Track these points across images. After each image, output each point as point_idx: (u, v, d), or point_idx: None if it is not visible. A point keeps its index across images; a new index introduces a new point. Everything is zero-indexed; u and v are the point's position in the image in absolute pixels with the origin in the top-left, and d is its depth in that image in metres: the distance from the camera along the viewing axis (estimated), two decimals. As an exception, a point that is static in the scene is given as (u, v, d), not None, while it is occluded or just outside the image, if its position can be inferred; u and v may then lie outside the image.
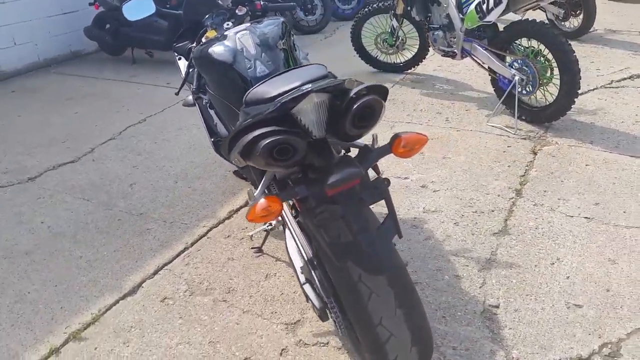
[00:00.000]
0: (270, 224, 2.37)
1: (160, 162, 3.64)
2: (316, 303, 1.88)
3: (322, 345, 2.12)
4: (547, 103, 3.77)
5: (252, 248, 2.68)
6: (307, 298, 1.95)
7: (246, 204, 3.04)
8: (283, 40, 2.25)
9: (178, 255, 2.71)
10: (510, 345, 2.07)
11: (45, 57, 5.90)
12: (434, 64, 5.29)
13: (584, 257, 2.51)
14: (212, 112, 2.63)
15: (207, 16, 2.70)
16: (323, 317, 1.88)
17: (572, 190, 3.04)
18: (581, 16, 5.66)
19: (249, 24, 2.31)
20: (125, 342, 2.20)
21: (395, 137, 1.66)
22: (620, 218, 2.77)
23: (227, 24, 2.63)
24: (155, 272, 2.60)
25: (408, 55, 5.03)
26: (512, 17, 4.12)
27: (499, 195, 3.04)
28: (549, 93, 3.75)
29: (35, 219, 3.06)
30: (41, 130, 4.26)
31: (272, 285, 2.46)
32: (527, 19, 3.76)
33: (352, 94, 1.51)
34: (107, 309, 2.38)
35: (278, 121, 1.52)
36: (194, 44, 2.69)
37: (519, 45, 3.83)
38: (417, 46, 4.88)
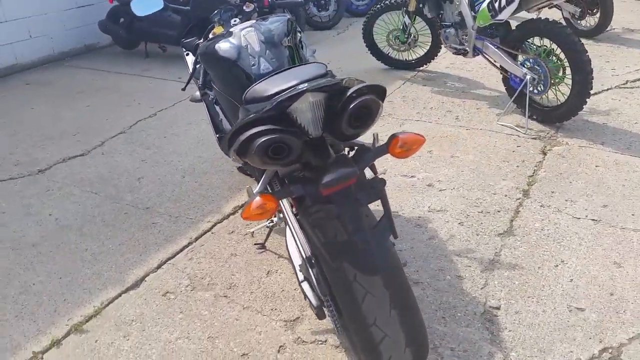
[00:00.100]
0: (272, 221, 2.38)
1: (169, 157, 3.66)
2: (313, 301, 1.88)
3: (320, 343, 2.12)
4: (559, 103, 3.72)
5: (255, 244, 2.69)
6: (305, 296, 1.95)
7: (251, 200, 3.04)
8: (288, 38, 2.24)
9: (182, 249, 2.72)
10: (509, 348, 2.05)
11: (60, 50, 5.96)
12: (446, 61, 5.25)
13: (589, 260, 2.47)
14: (217, 108, 2.64)
15: (215, 12, 2.71)
16: (320, 315, 1.88)
17: (580, 191, 3.00)
18: (598, 15, 5.57)
19: (254, 21, 2.31)
20: (126, 335, 2.22)
21: (393, 137, 1.65)
22: (628, 221, 2.72)
23: (235, 21, 2.64)
24: (159, 266, 2.62)
25: (420, 52, 5.00)
26: (526, 15, 4.07)
27: (505, 196, 3.01)
28: (561, 93, 3.70)
29: (44, 211, 3.10)
30: (53, 123, 4.31)
31: (273, 281, 2.47)
32: (540, 17, 3.71)
33: (348, 93, 1.50)
34: (109, 302, 2.41)
35: (275, 120, 1.52)
36: (202, 40, 2.69)
37: (531, 44, 3.78)
38: (430, 43, 4.85)
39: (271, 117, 1.51)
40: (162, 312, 2.34)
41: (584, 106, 3.58)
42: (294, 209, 2.00)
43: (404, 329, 1.61)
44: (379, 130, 3.81)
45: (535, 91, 3.78)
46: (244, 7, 2.73)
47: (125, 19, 5.76)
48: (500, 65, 3.96)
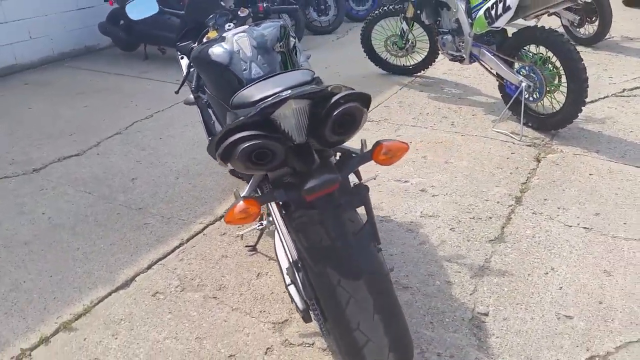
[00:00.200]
0: (262, 224, 2.38)
1: (164, 158, 3.67)
2: (299, 305, 1.89)
3: (307, 345, 2.12)
4: (554, 110, 3.73)
5: (246, 246, 2.69)
6: (292, 299, 1.95)
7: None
8: (281, 43, 2.25)
9: (173, 250, 2.73)
10: (495, 354, 2.05)
11: (59, 51, 5.98)
12: (444, 67, 5.26)
13: (579, 268, 2.48)
14: (210, 111, 2.65)
15: (210, 17, 2.72)
16: (306, 318, 1.89)
17: (573, 199, 3.00)
18: (597, 23, 5.59)
19: (247, 26, 2.32)
20: (114, 334, 2.23)
21: (377, 144, 1.65)
22: (619, 229, 2.73)
23: (229, 25, 2.65)
24: (149, 267, 2.62)
25: (418, 58, 5.01)
26: (524, 22, 4.08)
27: (498, 202, 3.01)
28: (556, 100, 3.71)
29: (37, 209, 3.11)
30: (50, 123, 4.33)
31: (263, 284, 2.47)
32: (536, 25, 3.73)
33: (332, 100, 1.51)
34: (99, 301, 2.41)
35: (260, 125, 1.53)
36: (197, 44, 2.70)
37: (528, 51, 3.79)
38: (427, 49, 4.87)
39: (256, 122, 1.52)
40: (151, 312, 2.34)
41: (579, 114, 3.58)
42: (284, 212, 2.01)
43: (388, 333, 1.61)
44: (375, 136, 3.85)
45: (531, 98, 3.79)
46: (239, 13, 2.74)
47: (125, 21, 5.78)
48: (497, 73, 3.97)
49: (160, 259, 2.67)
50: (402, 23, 4.79)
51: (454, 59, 4.34)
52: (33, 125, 4.29)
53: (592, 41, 5.68)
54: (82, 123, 4.31)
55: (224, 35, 2.30)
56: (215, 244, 2.75)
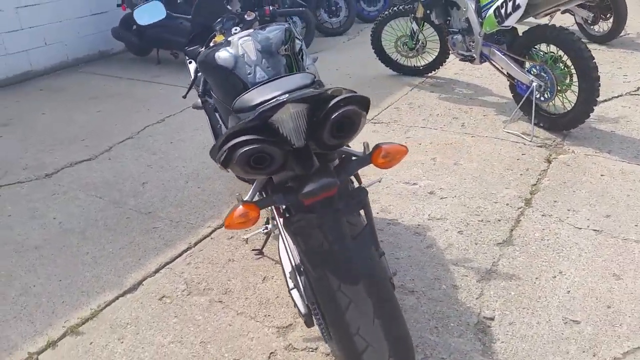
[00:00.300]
0: (266, 227, 2.39)
1: (174, 162, 3.70)
2: (302, 309, 1.89)
3: (310, 350, 2.12)
4: (566, 110, 3.68)
5: (252, 250, 2.70)
6: (295, 303, 1.95)
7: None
8: (285, 46, 2.25)
9: (180, 254, 2.75)
10: None
11: (74, 57, 6.06)
12: (455, 67, 5.23)
13: (587, 271, 2.44)
14: (217, 115, 2.66)
15: (217, 21, 2.73)
16: (309, 323, 1.88)
17: (583, 201, 2.96)
18: (611, 19, 5.50)
19: (252, 30, 2.33)
20: (120, 338, 2.25)
21: (376, 147, 1.65)
22: (630, 232, 2.68)
23: (235, 29, 2.66)
24: (157, 271, 2.64)
25: (429, 58, 4.98)
26: (536, 21, 4.04)
27: (507, 204, 2.98)
28: (568, 100, 3.66)
29: (48, 214, 3.15)
30: (63, 128, 4.39)
31: (268, 288, 2.48)
32: (547, 24, 3.68)
33: (331, 104, 1.51)
34: (106, 305, 2.44)
35: (260, 130, 1.53)
36: (204, 48, 2.72)
37: (538, 50, 3.75)
38: (438, 50, 4.84)
39: (256, 127, 1.52)
40: (157, 316, 2.36)
41: (591, 114, 3.53)
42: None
43: (388, 338, 1.60)
44: (384, 138, 3.84)
45: (542, 98, 3.75)
46: (245, 16, 2.75)
47: (138, 26, 5.83)
48: (507, 72, 3.93)
49: (167, 263, 2.69)
50: (412, 23, 4.77)
51: (464, 58, 4.31)
52: (46, 130, 4.36)
53: (606, 39, 5.59)
54: (95, 128, 4.36)
55: (229, 39, 2.31)
56: (223, 248, 2.77)
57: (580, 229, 2.73)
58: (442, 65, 4.98)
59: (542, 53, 3.72)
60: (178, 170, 3.59)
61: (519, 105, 3.87)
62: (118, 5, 5.84)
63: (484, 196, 3.07)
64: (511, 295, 2.34)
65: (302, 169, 1.57)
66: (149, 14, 2.78)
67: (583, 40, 3.55)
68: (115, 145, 4.01)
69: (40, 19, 5.67)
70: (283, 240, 1.95)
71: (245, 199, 1.84)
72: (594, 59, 3.41)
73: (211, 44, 2.62)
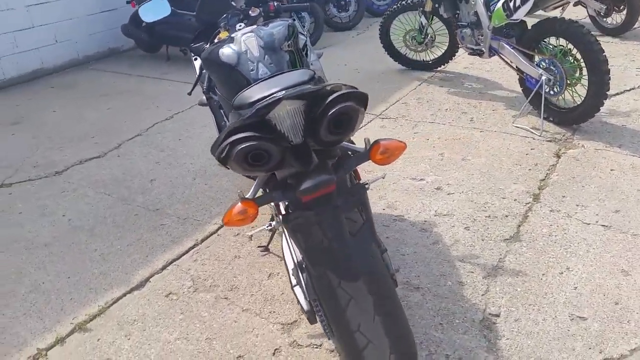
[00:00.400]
0: (270, 224, 2.39)
1: (182, 159, 3.72)
2: (304, 306, 1.89)
3: (315, 347, 2.13)
4: (576, 104, 3.64)
5: (258, 247, 2.71)
6: (297, 300, 1.96)
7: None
8: (289, 42, 2.25)
9: (187, 251, 2.76)
10: (505, 356, 2.02)
11: (84, 54, 6.11)
12: (465, 61, 5.19)
13: (595, 267, 2.41)
14: (222, 112, 2.67)
15: (222, 17, 2.73)
16: (311, 319, 1.89)
17: (592, 196, 2.93)
18: (625, 12, 5.42)
19: (255, 26, 2.32)
20: (127, 334, 2.27)
21: (374, 143, 1.64)
22: (640, 227, 2.65)
23: (240, 25, 2.66)
24: (164, 268, 2.66)
25: (438, 52, 4.95)
26: (548, 14, 3.98)
27: (515, 200, 2.96)
28: (578, 94, 3.62)
29: (58, 212, 3.19)
30: (73, 125, 4.42)
31: (274, 284, 2.48)
32: (557, 17, 3.63)
33: (328, 100, 1.50)
34: (113, 302, 2.46)
35: (258, 126, 1.53)
36: (209, 45, 2.72)
37: (548, 44, 3.70)
38: (447, 44, 4.80)
39: (254, 124, 1.52)
40: (164, 312, 2.38)
41: (601, 107, 3.48)
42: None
43: (389, 335, 1.60)
44: (392, 133, 3.82)
45: (552, 92, 3.71)
46: (250, 12, 2.75)
47: (147, 23, 5.85)
48: (516, 66, 3.90)
49: (174, 260, 2.71)
50: (420, 17, 4.74)
51: (473, 52, 4.28)
52: (57, 128, 4.40)
53: (619, 31, 5.52)
54: (104, 125, 4.39)
55: (232, 35, 2.31)
56: (229, 245, 2.78)
57: (589, 224, 2.70)
58: (451, 60, 4.94)
59: (551, 46, 3.68)
60: (186, 167, 3.61)
61: (528, 100, 3.83)
62: (127, 2, 5.87)
63: (491, 192, 3.05)
64: (517, 292, 2.32)
65: (300, 165, 1.56)
66: (154, 11, 2.80)
67: (596, 32, 3.50)
68: (124, 143, 4.04)
69: (51, 16, 5.72)
70: (286, 237, 1.96)
71: (247, 196, 1.84)
72: (603, 52, 3.37)
73: (215, 41, 2.63)
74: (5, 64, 5.45)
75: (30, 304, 2.48)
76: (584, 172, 3.16)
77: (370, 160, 1.66)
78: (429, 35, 4.81)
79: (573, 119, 3.65)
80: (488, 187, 3.10)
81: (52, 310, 2.44)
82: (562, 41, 3.60)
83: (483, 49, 4.13)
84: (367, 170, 3.27)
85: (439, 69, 5.05)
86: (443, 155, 3.50)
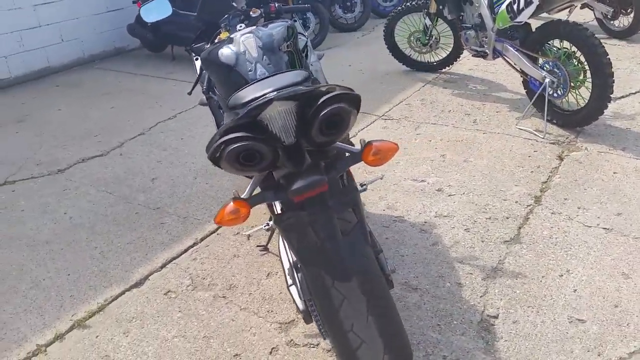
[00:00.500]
0: (268, 224, 2.39)
1: (184, 158, 3.73)
2: (300, 305, 1.89)
3: (311, 346, 2.13)
4: (580, 107, 3.62)
5: (257, 246, 2.71)
6: (293, 300, 1.96)
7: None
8: (287, 43, 2.25)
9: (187, 250, 2.77)
10: (502, 358, 2.01)
11: (90, 53, 6.14)
12: (470, 63, 5.17)
13: (595, 270, 2.40)
14: (221, 111, 2.67)
15: (224, 17, 2.74)
16: (307, 319, 1.89)
17: (594, 199, 2.91)
18: (632, 14, 5.39)
19: (254, 27, 2.33)
20: (125, 332, 2.28)
21: (367, 144, 1.64)
22: (641, 230, 2.63)
23: (240, 26, 2.66)
24: (163, 266, 2.67)
25: (442, 54, 4.94)
26: (555, 16, 3.96)
27: (516, 202, 2.95)
28: (582, 97, 3.60)
29: (59, 209, 3.20)
30: (77, 124, 4.44)
31: (272, 284, 2.48)
32: (560, 19, 3.62)
33: (319, 101, 1.50)
34: (112, 299, 2.47)
35: (251, 127, 1.53)
36: (209, 45, 2.73)
37: (552, 46, 3.69)
38: (452, 45, 4.79)
39: (247, 124, 1.52)
40: (162, 310, 2.38)
41: (605, 110, 3.46)
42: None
43: (382, 335, 1.59)
44: (394, 134, 3.81)
45: (555, 95, 3.69)
46: (251, 13, 2.75)
47: (153, 23, 5.87)
48: (520, 68, 3.88)
49: (174, 258, 2.71)
50: (425, 19, 4.73)
51: (477, 54, 4.26)
52: (61, 126, 4.42)
53: (626, 34, 5.48)
54: (108, 124, 4.41)
55: (231, 36, 2.32)
56: (228, 244, 2.78)
57: (590, 227, 2.69)
58: (456, 61, 4.93)
59: (555, 49, 3.66)
60: (187, 166, 3.61)
61: (532, 102, 3.82)
62: (134, 2, 5.89)
63: (492, 193, 3.04)
64: (516, 294, 2.31)
65: (292, 165, 1.56)
66: (155, 11, 2.81)
67: (602, 35, 3.48)
68: (127, 141, 4.06)
69: (57, 16, 5.76)
70: (281, 237, 1.96)
71: (242, 196, 1.85)
72: (607, 54, 3.35)
73: (216, 41, 2.63)
74: (12, 63, 5.49)
75: (30, 300, 2.50)
76: (586, 175, 3.14)
77: (362, 162, 1.65)
78: (434, 37, 4.80)
79: (577, 122, 3.63)
80: (489, 188, 3.09)
81: (52, 306, 2.45)
82: (566, 44, 3.58)
83: (487, 50, 4.12)
84: (368, 171, 3.27)
85: (443, 70, 5.04)
86: (445, 156, 3.49)
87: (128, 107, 4.75)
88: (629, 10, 5.42)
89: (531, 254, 2.54)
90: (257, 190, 2.04)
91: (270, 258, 2.64)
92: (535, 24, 3.84)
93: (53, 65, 5.81)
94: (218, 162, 1.53)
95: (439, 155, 3.50)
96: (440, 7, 4.52)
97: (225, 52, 2.22)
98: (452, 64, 4.97)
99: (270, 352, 2.12)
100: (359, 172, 3.27)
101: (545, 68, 3.69)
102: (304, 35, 2.74)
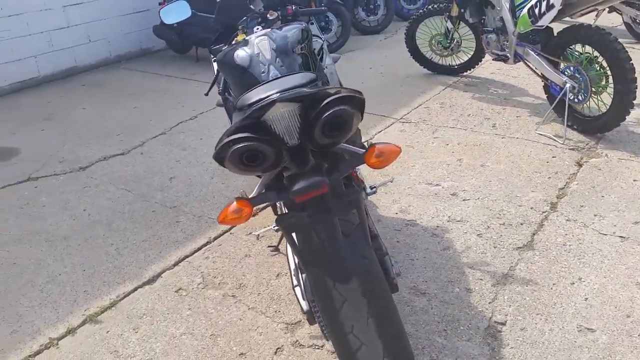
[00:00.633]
0: (276, 225, 2.41)
1: (202, 158, 3.78)
2: (304, 306, 1.90)
3: (316, 347, 2.14)
4: (601, 112, 3.56)
5: (269, 247, 2.73)
6: (298, 301, 1.97)
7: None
8: (301, 46, 2.27)
9: (200, 248, 2.81)
10: (507, 365, 1.99)
11: (116, 54, 6.26)
12: (492, 67, 5.12)
13: (608, 279, 2.36)
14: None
15: (242, 20, 2.77)
16: (311, 320, 1.90)
17: (612, 206, 2.85)
18: (661, 19, 5.27)
19: (269, 29, 2.35)
20: (135, 328, 2.32)
21: (370, 146, 1.64)
22: (659, 239, 2.58)
23: (257, 28, 2.69)
24: (176, 264, 2.71)
25: (464, 57, 4.90)
26: (587, 19, 3.89)
27: (531, 208, 2.91)
28: (603, 102, 3.54)
29: (79, 206, 3.28)
30: (101, 123, 4.54)
31: (281, 284, 2.50)
32: (583, 23, 3.56)
33: (323, 103, 1.51)
34: (125, 296, 2.52)
35: (256, 128, 1.55)
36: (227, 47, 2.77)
37: (573, 51, 3.63)
38: (474, 49, 4.75)
39: (252, 125, 1.54)
40: (172, 307, 2.42)
41: (627, 117, 3.40)
42: None
43: (382, 338, 1.59)
44: (411, 138, 3.79)
45: (576, 100, 3.63)
46: (268, 16, 2.78)
47: (178, 25, 5.96)
48: (541, 73, 3.83)
49: (187, 257, 2.76)
50: (446, 22, 4.70)
51: (498, 58, 4.22)
52: (85, 125, 4.52)
53: (655, 38, 5.37)
54: (131, 123, 4.49)
55: (247, 38, 2.35)
56: (240, 243, 2.81)
57: (606, 235, 2.64)
58: (477, 65, 4.89)
59: (577, 54, 3.61)
60: (205, 166, 3.66)
61: (552, 107, 3.77)
62: (160, 4, 5.99)
63: (508, 199, 3.01)
64: (526, 301, 2.28)
65: (296, 166, 1.58)
66: (174, 13, 2.86)
67: (631, 40, 3.41)
68: (148, 141, 4.13)
69: (86, 16, 5.89)
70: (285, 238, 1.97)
71: (250, 196, 1.87)
72: (630, 59, 3.28)
73: (232, 43, 2.67)
74: (41, 62, 5.63)
75: (46, 294, 2.56)
76: (605, 182, 3.08)
77: (365, 164, 1.66)
78: (455, 40, 4.77)
79: (597, 128, 3.56)
80: (505, 194, 3.06)
81: (66, 301, 2.51)
82: (589, 48, 3.52)
83: (508, 54, 4.08)
84: (383, 174, 3.27)
85: (464, 74, 5.00)
86: (461, 161, 3.46)
87: (151, 107, 4.83)
88: (659, 14, 5.30)
89: (543, 261, 2.51)
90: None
91: (281, 259, 2.66)
92: (557, 28, 3.79)
93: (80, 65, 5.94)
94: (222, 161, 1.56)
95: (456, 160, 3.48)
96: (462, 10, 4.48)
97: (240, 54, 2.24)
98: (474, 67, 4.93)
99: (276, 352, 2.14)
100: (373, 174, 3.27)
101: (566, 73, 3.63)
102: (320, 38, 2.76)
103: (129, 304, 2.46)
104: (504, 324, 2.18)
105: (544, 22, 3.62)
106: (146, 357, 2.17)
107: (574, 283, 2.35)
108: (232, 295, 2.46)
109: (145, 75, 5.82)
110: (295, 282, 1.98)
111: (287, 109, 1.51)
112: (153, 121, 4.50)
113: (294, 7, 2.85)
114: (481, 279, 2.43)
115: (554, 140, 3.62)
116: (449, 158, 3.51)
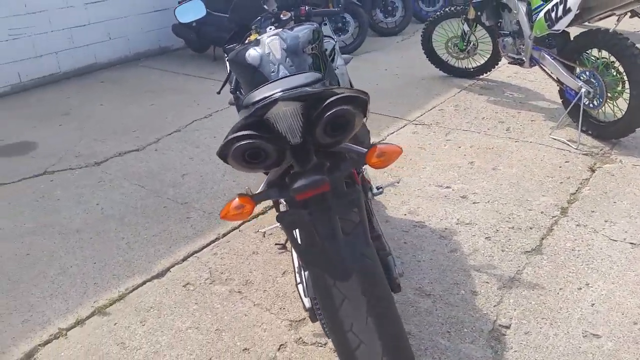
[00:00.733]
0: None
1: (214, 156, 3.80)
2: (306, 304, 1.92)
3: (319, 345, 2.15)
4: (616, 118, 3.52)
5: (276, 244, 2.76)
6: (301, 298, 1.99)
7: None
8: (312, 46, 2.28)
9: (209, 244, 2.84)
10: (509, 369, 1.98)
11: (135, 52, 6.35)
12: (509, 70, 5.08)
13: (617, 285, 2.33)
14: (246, 111, 2.73)
15: (256, 19, 2.80)
16: (312, 318, 1.91)
17: (623, 212, 2.82)
18: (683, 25, 5.18)
19: (280, 29, 2.37)
20: (143, 320, 2.36)
21: (371, 146, 1.65)
22: (670, 247, 2.54)
23: (270, 28, 2.71)
24: (185, 259, 2.74)
25: (480, 60, 4.88)
26: (606, 23, 3.85)
27: (541, 212, 2.89)
28: (619, 108, 3.50)
29: (92, 200, 3.33)
30: (118, 119, 4.61)
31: (287, 282, 2.52)
32: (600, 28, 3.52)
33: (325, 103, 1.52)
34: (133, 289, 2.56)
35: (259, 126, 1.57)
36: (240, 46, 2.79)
37: (590, 55, 3.60)
38: (490, 52, 4.73)
39: (255, 123, 1.56)
40: (179, 302, 2.45)
41: (643, 123, 3.36)
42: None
43: (381, 337, 1.60)
44: (424, 139, 3.79)
45: (591, 105, 3.60)
46: (281, 16, 2.80)
47: (197, 24, 6.02)
48: (556, 77, 3.80)
49: (195, 252, 2.79)
50: (463, 24, 4.69)
51: (514, 61, 4.20)
52: (102, 121, 4.59)
53: (677, 44, 5.27)
54: (147, 120, 4.55)
55: (258, 38, 2.38)
56: (248, 240, 2.84)
57: (616, 241, 2.61)
58: (494, 68, 4.86)
59: (593, 58, 3.57)
60: (217, 163, 3.70)
61: (567, 111, 3.73)
62: (179, 3, 6.05)
63: (518, 203, 2.99)
64: (531, 305, 2.27)
65: (298, 164, 1.60)
66: (190, 12, 2.90)
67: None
68: (163, 138, 4.18)
69: (106, 14, 5.98)
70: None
71: (256, 192, 1.89)
72: (647, 65, 3.24)
73: (246, 42, 2.69)
74: (62, 58, 5.73)
75: (57, 285, 2.61)
76: (617, 188, 3.05)
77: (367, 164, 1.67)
78: (472, 43, 4.75)
79: (612, 133, 3.53)
80: (516, 198, 3.04)
81: (76, 293, 2.56)
82: (605, 53, 3.49)
83: (524, 58, 4.05)
84: (393, 175, 3.27)
85: (480, 77, 4.97)
86: (473, 164, 3.45)
87: (168, 105, 4.89)
88: (681, 20, 5.21)
89: (551, 266, 2.49)
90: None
91: (288, 256, 2.68)
92: (573, 32, 3.75)
93: (99, 62, 6.04)
94: (225, 158, 1.58)
95: (467, 162, 3.47)
96: (479, 13, 4.47)
97: (251, 54, 2.27)
98: (490, 70, 4.90)
99: (279, 349, 2.15)
100: (383, 175, 3.28)
101: (581, 78, 3.60)
102: (333, 39, 2.77)
103: (137, 297, 2.50)
104: (508, 327, 2.17)
105: (560, 26, 3.59)
106: (152, 349, 2.20)
107: (581, 288, 2.34)
108: (239, 292, 2.49)
109: (164, 73, 5.89)
110: (298, 280, 2.00)
111: (289, 107, 1.52)
112: (169, 118, 4.56)
113: (307, 8, 2.87)
114: (487, 282, 2.42)
115: (568, 145, 3.59)
116: (461, 161, 3.50)
